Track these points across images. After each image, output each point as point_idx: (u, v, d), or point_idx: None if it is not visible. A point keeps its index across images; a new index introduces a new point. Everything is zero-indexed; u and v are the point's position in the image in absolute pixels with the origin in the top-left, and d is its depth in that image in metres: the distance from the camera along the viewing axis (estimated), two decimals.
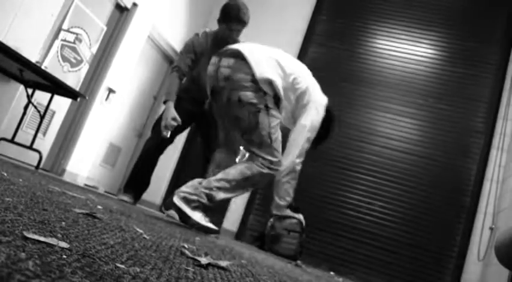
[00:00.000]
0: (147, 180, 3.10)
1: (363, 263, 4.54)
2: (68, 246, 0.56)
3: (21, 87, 3.48)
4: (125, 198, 3.00)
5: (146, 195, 4.22)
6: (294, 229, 3.69)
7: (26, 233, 0.54)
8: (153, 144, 2.96)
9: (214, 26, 5.93)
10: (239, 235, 4.77)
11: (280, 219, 3.76)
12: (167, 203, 2.21)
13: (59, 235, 0.62)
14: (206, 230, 2.14)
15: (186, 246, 1.10)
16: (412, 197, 4.65)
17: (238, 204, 4.88)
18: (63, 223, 0.75)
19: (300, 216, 3.82)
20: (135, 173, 3.05)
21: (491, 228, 4.17)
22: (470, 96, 4.80)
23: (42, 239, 0.54)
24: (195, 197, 2.13)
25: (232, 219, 4.87)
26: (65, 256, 0.49)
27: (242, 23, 2.89)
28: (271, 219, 3.83)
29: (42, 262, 0.43)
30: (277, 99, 2.22)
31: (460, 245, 4.37)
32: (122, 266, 0.56)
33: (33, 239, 0.52)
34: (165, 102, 2.81)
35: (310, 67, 5.64)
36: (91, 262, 0.51)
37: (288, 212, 3.79)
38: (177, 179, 5.39)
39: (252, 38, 5.61)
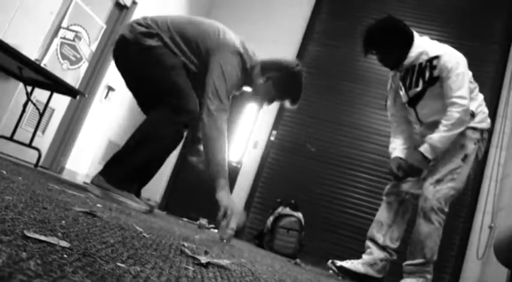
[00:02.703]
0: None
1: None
2: (69, 245, 0.56)
3: (21, 85, 3.48)
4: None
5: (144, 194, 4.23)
6: (293, 227, 3.70)
7: (26, 232, 0.54)
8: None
9: None
10: (238, 233, 4.78)
11: (280, 217, 3.77)
12: None
13: (60, 234, 0.62)
14: None
15: (185, 244, 1.10)
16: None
17: (236, 202, 4.88)
18: (64, 222, 0.75)
19: (299, 215, 3.83)
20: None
21: (490, 227, 4.18)
22: None
23: (42, 238, 0.54)
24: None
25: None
26: (65, 255, 0.49)
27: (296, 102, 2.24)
28: (270, 218, 3.84)
29: (44, 262, 0.43)
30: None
31: (459, 243, 4.38)
32: (123, 265, 0.56)
33: (34, 238, 0.52)
34: None
35: (310, 65, 5.70)
36: (92, 261, 0.51)
37: (288, 210, 3.80)
38: (176, 177, 5.39)
39: (252, 36, 5.61)
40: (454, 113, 2.14)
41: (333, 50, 5.40)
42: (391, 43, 2.27)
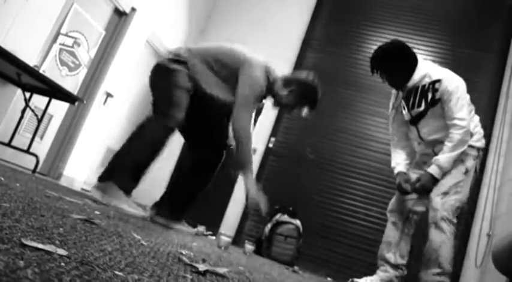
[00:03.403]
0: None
1: (360, 268, 4.53)
2: (66, 253, 0.55)
3: (19, 90, 3.47)
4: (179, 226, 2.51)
5: (141, 198, 4.21)
6: (291, 235, 3.69)
7: (24, 240, 0.54)
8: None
9: (212, 31, 5.96)
10: (236, 241, 4.76)
11: (278, 225, 3.76)
12: None
13: (57, 242, 0.62)
14: None
15: (183, 252, 1.09)
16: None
17: (234, 210, 4.88)
18: (61, 229, 0.75)
19: (297, 222, 3.82)
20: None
21: (488, 235, 4.17)
22: None
23: (40, 246, 0.54)
24: None
25: (229, 225, 4.86)
26: (63, 264, 0.49)
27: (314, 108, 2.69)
28: (268, 225, 3.83)
29: (41, 270, 0.42)
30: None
31: (457, 251, 4.36)
32: (121, 274, 0.55)
33: (32, 246, 0.52)
34: None
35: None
36: (89, 270, 0.51)
37: (286, 218, 3.79)
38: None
39: (251, 42, 5.62)
40: (455, 134, 2.33)
41: (331, 56, 5.42)
42: (397, 66, 2.47)
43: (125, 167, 2.33)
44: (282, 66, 5.40)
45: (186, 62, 2.39)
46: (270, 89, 2.50)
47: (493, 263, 2.04)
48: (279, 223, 3.69)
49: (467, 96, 2.47)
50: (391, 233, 2.61)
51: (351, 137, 5.02)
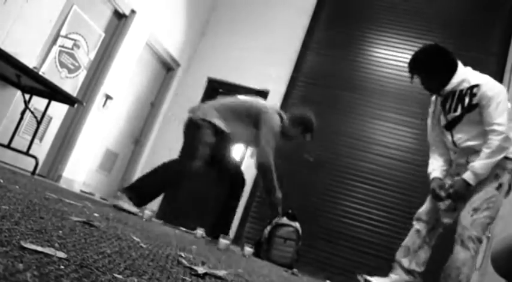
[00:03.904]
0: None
1: (359, 271, 4.53)
2: (66, 256, 0.55)
3: (18, 92, 3.48)
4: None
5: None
6: (290, 237, 3.68)
7: (23, 243, 0.54)
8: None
9: (211, 35, 5.97)
10: (235, 243, 4.75)
11: (277, 227, 3.75)
12: None
13: (56, 244, 0.62)
14: None
15: (182, 255, 1.09)
16: (409, 206, 4.65)
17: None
18: (60, 232, 0.75)
19: (297, 224, 3.81)
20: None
21: (487, 237, 4.17)
22: None
23: (39, 248, 0.54)
24: None
25: None
26: (62, 266, 0.49)
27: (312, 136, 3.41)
28: (268, 228, 3.82)
29: (40, 273, 0.42)
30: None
31: None
32: (120, 276, 0.55)
33: (31, 249, 0.52)
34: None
35: (308, 75, 5.71)
36: (89, 272, 0.51)
37: (285, 220, 3.78)
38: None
39: (251, 46, 5.64)
40: (494, 140, 2.24)
41: (331, 59, 5.43)
42: (436, 68, 2.44)
43: (138, 188, 2.84)
44: (282, 70, 5.42)
45: (210, 122, 2.97)
46: (282, 128, 3.13)
47: (492, 265, 2.04)
48: (279, 225, 3.68)
49: (509, 105, 2.38)
50: (411, 239, 2.59)
51: (351, 139, 5.02)
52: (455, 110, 2.42)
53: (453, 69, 2.41)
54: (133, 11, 4.65)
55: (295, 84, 5.34)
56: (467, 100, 2.36)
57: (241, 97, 3.36)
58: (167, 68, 5.66)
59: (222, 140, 3.06)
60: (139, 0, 4.67)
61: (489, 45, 5.03)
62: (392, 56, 5.22)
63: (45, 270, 0.44)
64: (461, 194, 2.34)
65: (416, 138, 4.88)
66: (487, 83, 2.33)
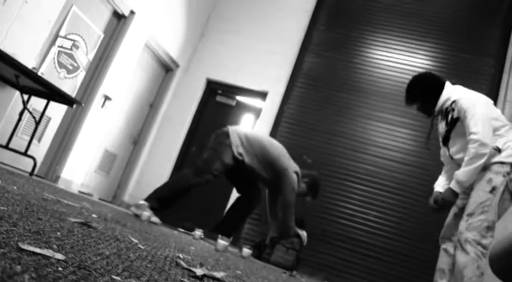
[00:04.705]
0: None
1: (357, 272, 4.53)
2: (64, 257, 0.55)
3: (17, 93, 3.47)
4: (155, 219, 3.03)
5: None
6: (293, 247, 3.69)
7: (21, 244, 0.53)
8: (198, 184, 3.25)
9: (210, 36, 5.97)
10: (234, 245, 4.75)
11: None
12: None
13: (55, 246, 0.62)
14: None
15: (181, 256, 1.09)
16: (407, 207, 4.66)
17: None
18: (59, 233, 0.75)
19: (303, 233, 3.81)
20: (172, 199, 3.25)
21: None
22: None
23: (37, 250, 0.54)
24: None
25: None
26: (60, 268, 0.49)
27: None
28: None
29: (38, 275, 0.42)
30: None
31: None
32: (118, 278, 0.55)
33: (29, 251, 0.52)
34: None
35: (307, 77, 5.72)
36: (87, 274, 0.51)
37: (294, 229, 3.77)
38: None
39: (250, 47, 5.65)
40: (471, 148, 2.41)
41: (329, 61, 5.43)
42: (423, 95, 2.70)
43: (156, 198, 3.06)
44: (281, 71, 5.42)
45: (242, 154, 3.27)
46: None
47: (490, 267, 2.04)
48: None
49: (496, 112, 2.57)
50: (443, 259, 2.65)
51: (348, 140, 5.02)
52: (444, 127, 2.64)
53: (437, 93, 2.65)
54: (132, 12, 4.65)
55: (294, 85, 5.34)
56: (450, 116, 2.58)
57: (273, 141, 3.60)
58: (166, 68, 5.66)
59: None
60: (139, 1, 4.67)
61: (487, 47, 5.04)
62: (390, 58, 5.23)
63: (43, 272, 0.44)
64: (450, 202, 2.50)
65: (413, 139, 4.89)
66: (463, 98, 2.52)
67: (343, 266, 4.56)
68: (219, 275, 0.93)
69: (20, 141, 3.66)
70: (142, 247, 1.00)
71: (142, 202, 3.03)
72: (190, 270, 0.87)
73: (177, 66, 5.66)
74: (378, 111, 5.04)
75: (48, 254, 0.54)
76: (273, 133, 5.20)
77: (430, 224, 4.41)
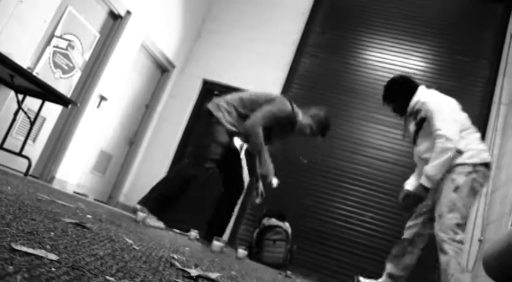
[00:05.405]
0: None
1: (353, 274, 4.53)
2: (57, 258, 0.55)
3: (12, 93, 3.45)
4: (158, 224, 2.88)
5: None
6: (279, 238, 3.69)
7: (14, 245, 0.53)
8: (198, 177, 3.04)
9: (207, 36, 5.97)
10: (229, 245, 4.74)
11: (265, 229, 3.75)
12: None
13: (48, 246, 0.61)
14: None
15: (175, 257, 1.09)
16: (402, 208, 4.67)
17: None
18: (52, 233, 0.75)
19: (286, 224, 3.81)
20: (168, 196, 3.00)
21: (480, 240, 4.19)
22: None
23: (30, 250, 0.53)
24: None
25: None
26: (53, 269, 0.49)
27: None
28: (257, 230, 3.82)
29: (31, 276, 0.42)
30: None
31: None
32: (112, 279, 0.55)
33: (22, 251, 0.52)
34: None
35: (303, 78, 5.74)
36: (80, 275, 0.51)
37: (274, 221, 3.78)
38: None
39: (246, 49, 5.65)
40: (437, 143, 2.52)
41: (325, 62, 5.44)
42: (396, 96, 2.86)
43: (154, 199, 2.89)
44: (277, 72, 5.43)
45: (236, 132, 3.07)
46: (293, 118, 3.16)
47: (483, 268, 2.05)
48: (267, 227, 3.67)
49: (458, 115, 2.67)
50: (396, 246, 2.88)
51: (345, 142, 5.03)
52: (413, 127, 2.80)
53: (409, 95, 2.78)
54: (128, 12, 4.64)
55: (290, 87, 5.35)
56: (418, 117, 2.72)
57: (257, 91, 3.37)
58: (162, 69, 5.65)
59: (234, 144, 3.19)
60: (135, 1, 4.66)
61: (482, 50, 5.06)
62: (386, 59, 5.25)
63: (36, 273, 0.44)
64: (420, 197, 2.59)
65: (409, 141, 4.90)
66: (431, 100, 2.65)
67: (339, 267, 4.56)
68: (213, 275, 0.92)
69: (14, 142, 3.64)
70: (137, 248, 1.00)
71: (139, 207, 2.84)
72: (184, 271, 0.87)
73: (173, 66, 5.65)
74: (373, 113, 5.06)
75: (41, 254, 0.54)
76: None
77: None
